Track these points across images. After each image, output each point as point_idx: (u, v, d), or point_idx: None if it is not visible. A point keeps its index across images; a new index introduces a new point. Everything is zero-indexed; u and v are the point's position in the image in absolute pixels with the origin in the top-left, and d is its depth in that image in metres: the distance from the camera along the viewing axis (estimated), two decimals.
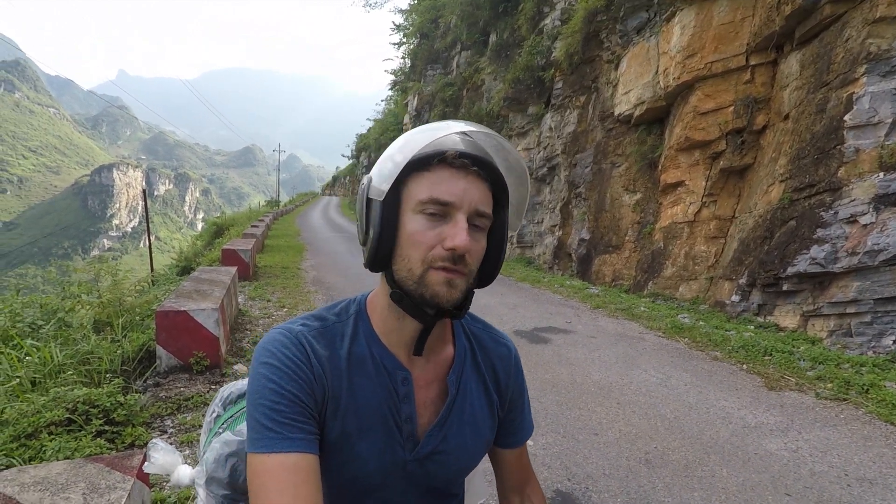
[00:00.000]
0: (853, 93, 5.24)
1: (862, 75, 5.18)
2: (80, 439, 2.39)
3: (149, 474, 1.58)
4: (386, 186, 0.72)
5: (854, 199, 5.14)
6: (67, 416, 2.47)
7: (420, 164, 0.71)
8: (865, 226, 5.03)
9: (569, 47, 10.56)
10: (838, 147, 5.33)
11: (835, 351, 4.98)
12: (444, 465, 0.84)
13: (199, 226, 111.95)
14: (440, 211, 0.71)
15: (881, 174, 4.99)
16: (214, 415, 1.15)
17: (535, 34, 13.00)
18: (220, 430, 1.09)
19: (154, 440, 1.15)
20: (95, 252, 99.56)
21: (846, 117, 5.26)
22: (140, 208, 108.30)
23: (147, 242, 13.42)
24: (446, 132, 0.71)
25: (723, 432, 3.41)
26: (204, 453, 1.06)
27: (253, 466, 0.69)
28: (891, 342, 4.90)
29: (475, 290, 0.80)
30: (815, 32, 6.00)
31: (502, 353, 0.93)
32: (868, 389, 4.10)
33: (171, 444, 2.69)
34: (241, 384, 1.17)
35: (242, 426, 1.04)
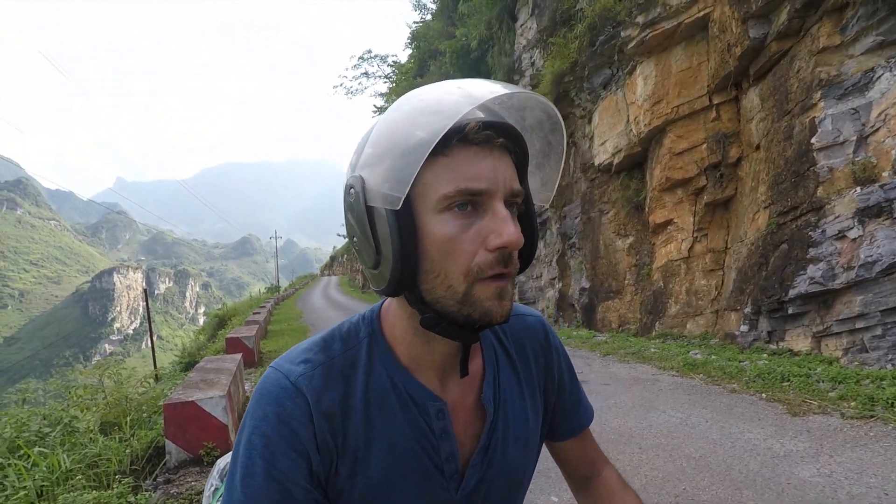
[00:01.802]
0: (814, 117, 5.51)
1: (819, 100, 5.47)
2: None
3: None
4: (397, 191, 0.54)
5: (838, 216, 5.26)
6: None
7: (433, 149, 0.54)
8: (854, 240, 5.11)
9: None
10: (812, 168, 5.53)
11: (853, 369, 4.90)
12: (492, 492, 0.71)
13: (201, 320, 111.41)
14: (470, 201, 0.56)
15: (858, 189, 5.15)
16: (213, 489, 1.05)
17: None
18: None
19: None
20: (97, 358, 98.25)
21: (813, 140, 5.49)
22: (141, 309, 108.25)
23: (149, 342, 13.36)
24: (467, 108, 0.53)
25: (752, 465, 3.30)
26: None
27: None
28: None
29: None
30: (767, 68, 6.39)
31: (533, 332, 0.78)
32: (893, 403, 4.01)
33: None
34: None
35: None
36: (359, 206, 0.58)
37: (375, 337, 0.67)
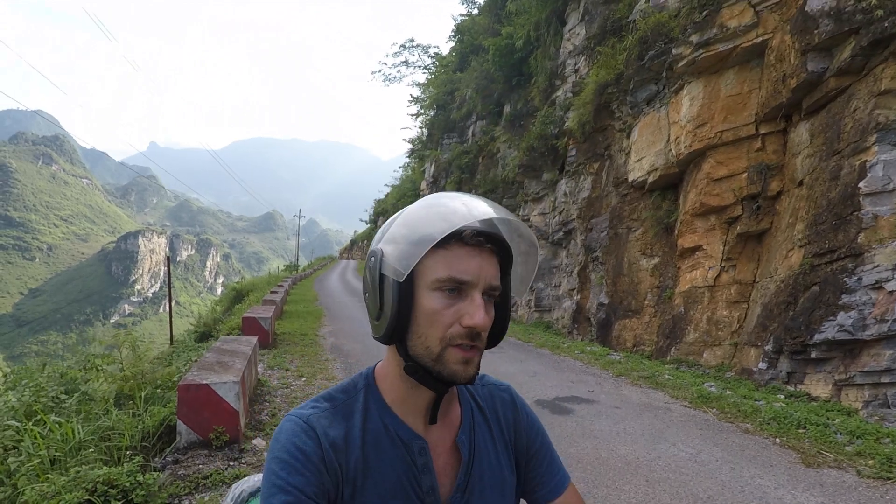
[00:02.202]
0: (866, 161, 5.32)
1: (873, 144, 5.27)
2: None
3: None
4: (403, 269, 0.72)
5: (877, 266, 5.08)
6: (87, 497, 2.43)
7: (436, 243, 0.72)
8: (892, 292, 4.94)
9: (581, 117, 10.97)
10: (855, 213, 5.34)
11: (873, 423, 4.75)
12: None
13: (219, 290, 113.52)
14: (456, 288, 0.73)
15: None
16: None
17: (548, 105, 13.58)
18: None
19: None
20: (116, 318, 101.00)
21: (861, 184, 5.31)
22: (162, 273, 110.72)
23: (167, 307, 13.59)
24: (465, 222, 0.72)
25: None
26: None
27: None
28: None
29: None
30: (822, 103, 6.18)
31: (502, 397, 0.93)
32: None
33: None
34: (253, 480, 1.13)
35: None
36: (375, 271, 0.77)
37: (370, 388, 0.83)
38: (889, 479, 3.77)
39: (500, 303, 0.81)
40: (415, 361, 0.75)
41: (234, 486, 1.14)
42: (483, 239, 0.74)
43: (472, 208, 0.74)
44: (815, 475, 3.85)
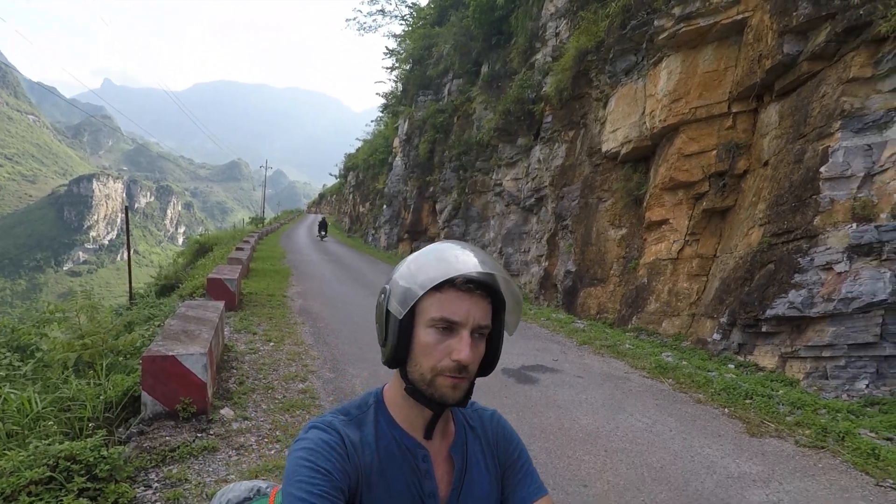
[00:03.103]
0: (828, 146, 5.48)
1: (836, 130, 5.43)
2: (62, 500, 2.30)
3: None
4: (402, 309, 0.87)
5: (829, 248, 5.34)
6: (48, 473, 2.37)
7: (432, 286, 0.85)
8: (840, 274, 5.21)
9: (559, 83, 10.83)
10: (814, 197, 5.55)
11: (811, 394, 5.12)
12: None
13: (180, 240, 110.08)
14: (448, 326, 0.85)
15: (854, 225, 5.20)
16: None
17: (527, 68, 13.31)
18: None
19: None
20: (69, 265, 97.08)
21: (822, 169, 5.49)
22: (119, 220, 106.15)
23: (125, 255, 13.08)
24: (456, 272, 0.85)
25: (707, 483, 3.46)
26: None
27: None
28: (863, 386, 5.08)
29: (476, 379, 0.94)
30: (793, 86, 6.28)
31: (489, 419, 1.07)
32: (844, 437, 4.20)
33: (156, 501, 2.63)
34: (239, 489, 1.13)
35: None
36: (383, 307, 0.91)
37: (379, 405, 0.95)
38: (823, 447, 4.11)
39: (493, 337, 0.93)
40: (412, 385, 0.89)
41: (218, 492, 1.13)
42: (473, 286, 0.87)
43: (464, 261, 0.87)
44: (758, 444, 4.14)
